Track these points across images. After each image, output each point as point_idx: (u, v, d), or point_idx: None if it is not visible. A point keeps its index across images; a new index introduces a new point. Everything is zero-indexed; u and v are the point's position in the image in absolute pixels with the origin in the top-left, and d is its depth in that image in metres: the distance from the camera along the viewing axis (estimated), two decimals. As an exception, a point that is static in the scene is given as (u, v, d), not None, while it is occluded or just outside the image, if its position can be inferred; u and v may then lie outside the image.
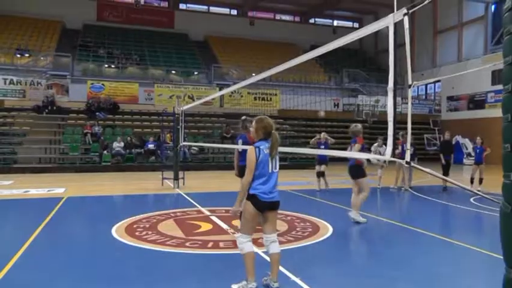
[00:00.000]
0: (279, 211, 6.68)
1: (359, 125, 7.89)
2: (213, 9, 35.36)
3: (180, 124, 12.44)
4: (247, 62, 30.88)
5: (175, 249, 5.66)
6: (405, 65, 3.49)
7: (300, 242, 6.09)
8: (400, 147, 11.68)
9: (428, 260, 5.28)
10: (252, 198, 4.00)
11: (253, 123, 4.20)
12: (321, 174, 12.19)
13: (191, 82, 27.01)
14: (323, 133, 12.56)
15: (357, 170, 7.63)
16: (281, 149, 7.23)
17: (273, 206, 4.10)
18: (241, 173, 6.24)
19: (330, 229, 6.93)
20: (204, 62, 29.76)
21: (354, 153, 6.96)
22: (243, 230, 4.08)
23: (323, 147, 12.06)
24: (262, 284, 4.11)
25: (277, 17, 37.39)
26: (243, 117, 6.96)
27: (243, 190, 4.05)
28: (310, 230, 6.86)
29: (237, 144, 6.93)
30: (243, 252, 4.02)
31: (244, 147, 6.25)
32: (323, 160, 12.23)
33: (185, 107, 12.68)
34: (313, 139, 12.97)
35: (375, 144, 13.04)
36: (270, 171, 4.05)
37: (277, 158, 4.15)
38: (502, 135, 2.33)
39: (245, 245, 4.02)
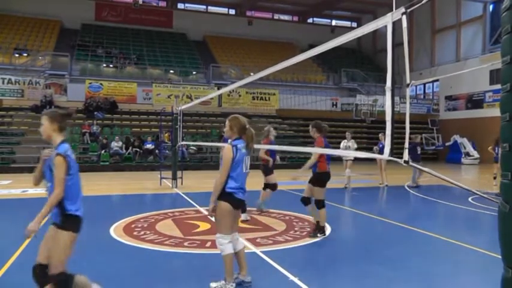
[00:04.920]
0: (277, 210, 6.68)
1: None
2: (211, 8, 35.34)
3: (178, 124, 12.43)
4: (245, 62, 30.90)
5: (173, 249, 5.66)
6: (403, 64, 3.50)
7: (298, 242, 6.09)
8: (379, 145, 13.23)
9: (427, 260, 5.28)
10: (228, 196, 4.03)
11: (227, 123, 4.23)
12: None
13: (189, 82, 26.99)
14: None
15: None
16: (281, 148, 7.27)
17: (243, 204, 4.28)
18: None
19: (329, 229, 6.93)
20: (203, 62, 29.74)
21: (356, 152, 6.96)
22: (223, 231, 4.08)
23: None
24: (234, 282, 4.17)
25: (276, 16, 37.37)
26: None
27: (217, 189, 4.06)
28: (308, 229, 6.86)
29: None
30: (224, 254, 4.06)
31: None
32: None
33: (183, 107, 12.67)
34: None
35: (344, 141, 12.88)
36: (244, 171, 4.13)
37: (248, 159, 4.22)
38: (500, 135, 2.33)
39: (226, 246, 4.07)
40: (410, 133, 3.27)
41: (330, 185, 6.54)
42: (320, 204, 6.36)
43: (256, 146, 6.38)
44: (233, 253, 4.11)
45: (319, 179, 6.35)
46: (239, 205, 4.13)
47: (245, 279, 4.22)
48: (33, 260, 3.46)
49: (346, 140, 12.76)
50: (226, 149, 4.06)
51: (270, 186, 8.27)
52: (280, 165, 20.66)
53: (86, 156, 20.19)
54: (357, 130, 27.23)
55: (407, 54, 3.46)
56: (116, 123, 22.73)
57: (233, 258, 4.15)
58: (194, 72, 28.77)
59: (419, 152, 13.50)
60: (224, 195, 4.05)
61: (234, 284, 4.08)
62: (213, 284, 4.09)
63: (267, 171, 8.33)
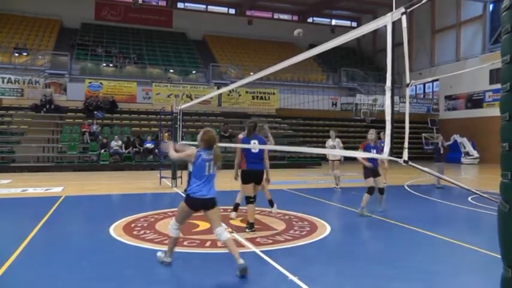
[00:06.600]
0: (277, 210, 6.64)
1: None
2: (211, 8, 35.33)
3: (178, 123, 12.42)
4: (245, 61, 30.89)
5: (173, 248, 5.65)
6: (403, 64, 3.50)
7: (298, 241, 6.09)
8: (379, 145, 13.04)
9: (426, 259, 5.28)
10: (186, 196, 4.73)
11: (200, 134, 4.78)
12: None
13: (189, 81, 27.00)
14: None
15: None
16: (280, 148, 7.26)
17: (206, 204, 4.63)
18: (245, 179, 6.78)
19: (328, 228, 6.93)
20: (202, 61, 29.74)
21: (356, 153, 6.94)
22: (177, 219, 4.82)
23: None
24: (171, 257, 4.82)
25: (276, 16, 37.37)
26: (255, 120, 7.15)
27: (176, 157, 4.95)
28: (308, 229, 6.86)
29: (249, 143, 6.79)
30: (170, 234, 4.83)
31: (261, 146, 6.75)
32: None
33: (183, 106, 12.65)
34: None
35: (329, 140, 12.57)
36: (206, 173, 4.68)
37: (212, 164, 4.74)
38: (500, 134, 2.33)
39: (173, 231, 4.80)
40: (410, 133, 3.27)
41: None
42: (245, 200, 6.73)
43: (349, 154, 6.24)
44: (176, 238, 4.80)
45: (241, 176, 6.87)
46: (194, 205, 4.66)
47: (238, 261, 4.43)
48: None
49: (330, 139, 12.47)
50: (190, 151, 4.80)
51: (368, 189, 8.29)
52: (280, 164, 20.83)
53: (86, 155, 20.20)
54: (356, 130, 27.31)
55: (407, 54, 3.45)
56: (115, 123, 22.73)
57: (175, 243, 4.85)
58: (194, 72, 28.77)
59: (442, 152, 13.38)
60: (185, 195, 4.78)
61: (170, 259, 4.80)
62: (159, 253, 4.96)
63: (366, 175, 8.38)
